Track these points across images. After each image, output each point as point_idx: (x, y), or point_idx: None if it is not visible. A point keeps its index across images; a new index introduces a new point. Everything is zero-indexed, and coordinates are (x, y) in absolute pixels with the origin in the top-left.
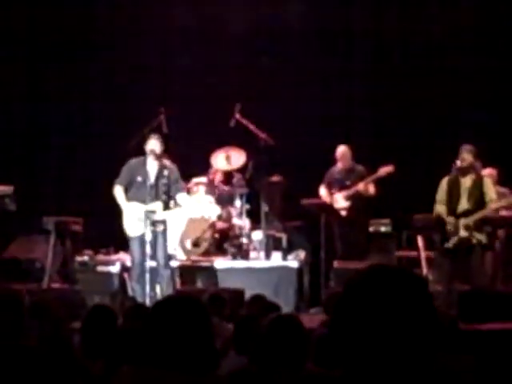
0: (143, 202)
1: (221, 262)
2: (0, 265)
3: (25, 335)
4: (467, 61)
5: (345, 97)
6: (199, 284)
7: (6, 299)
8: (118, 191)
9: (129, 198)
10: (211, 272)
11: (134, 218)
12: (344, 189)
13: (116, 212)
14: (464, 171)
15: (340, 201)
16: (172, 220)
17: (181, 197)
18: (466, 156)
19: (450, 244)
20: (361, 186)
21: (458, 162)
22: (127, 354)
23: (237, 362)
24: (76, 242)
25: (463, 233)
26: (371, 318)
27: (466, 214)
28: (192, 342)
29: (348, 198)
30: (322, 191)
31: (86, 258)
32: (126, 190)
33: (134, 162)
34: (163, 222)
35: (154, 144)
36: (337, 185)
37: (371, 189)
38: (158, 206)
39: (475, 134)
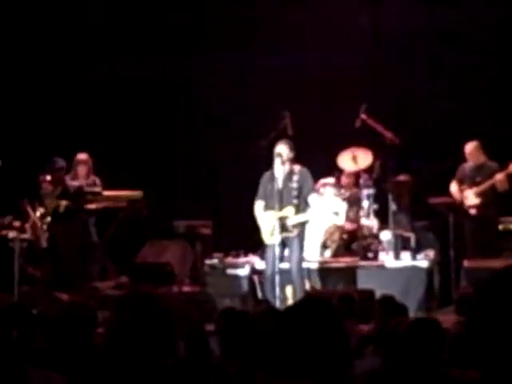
0: (275, 208)
1: (351, 263)
2: (132, 269)
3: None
4: None
5: (473, 92)
6: (340, 286)
7: (152, 303)
8: (256, 206)
9: (266, 208)
10: (350, 273)
11: (269, 225)
12: (474, 185)
13: (246, 215)
14: None
15: (470, 197)
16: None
17: (312, 198)
18: None
19: None
20: (498, 177)
21: None
22: (262, 357)
23: (371, 362)
24: (206, 245)
25: None
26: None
27: None
28: (326, 344)
29: (479, 195)
30: (453, 187)
31: (215, 261)
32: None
33: (265, 174)
34: (298, 226)
35: (281, 148)
36: (467, 181)
37: (506, 184)
38: (289, 211)
39: None
